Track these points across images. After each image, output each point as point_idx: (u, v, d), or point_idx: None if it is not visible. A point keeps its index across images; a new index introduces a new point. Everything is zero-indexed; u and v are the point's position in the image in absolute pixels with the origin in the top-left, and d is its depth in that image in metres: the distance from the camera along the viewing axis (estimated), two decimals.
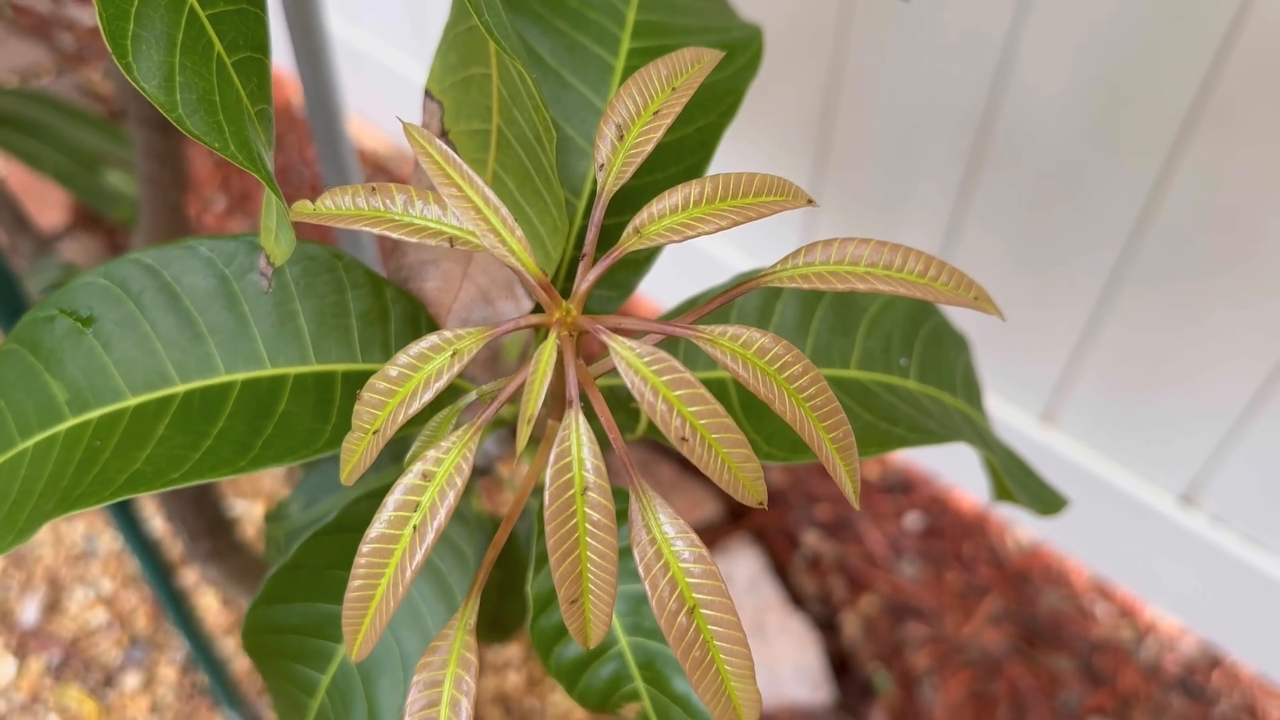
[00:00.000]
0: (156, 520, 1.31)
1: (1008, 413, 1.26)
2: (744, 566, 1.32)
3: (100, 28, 0.22)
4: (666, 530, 0.23)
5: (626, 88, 0.26)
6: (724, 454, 0.22)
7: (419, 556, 0.22)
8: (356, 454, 0.23)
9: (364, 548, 0.23)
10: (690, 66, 0.27)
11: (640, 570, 0.23)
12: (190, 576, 1.33)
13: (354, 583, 0.23)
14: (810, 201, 0.25)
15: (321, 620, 0.37)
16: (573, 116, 0.36)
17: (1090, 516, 1.24)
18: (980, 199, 1.11)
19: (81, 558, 1.36)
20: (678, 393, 0.22)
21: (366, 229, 0.24)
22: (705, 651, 0.23)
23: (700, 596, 0.23)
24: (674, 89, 0.26)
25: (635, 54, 0.37)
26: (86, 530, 1.38)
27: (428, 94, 0.33)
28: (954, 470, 1.38)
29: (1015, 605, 1.31)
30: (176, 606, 0.97)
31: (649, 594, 0.23)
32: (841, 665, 1.27)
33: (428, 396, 0.23)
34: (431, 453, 0.23)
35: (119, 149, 0.84)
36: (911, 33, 1.03)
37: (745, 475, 0.22)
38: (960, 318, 1.29)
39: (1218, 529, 1.16)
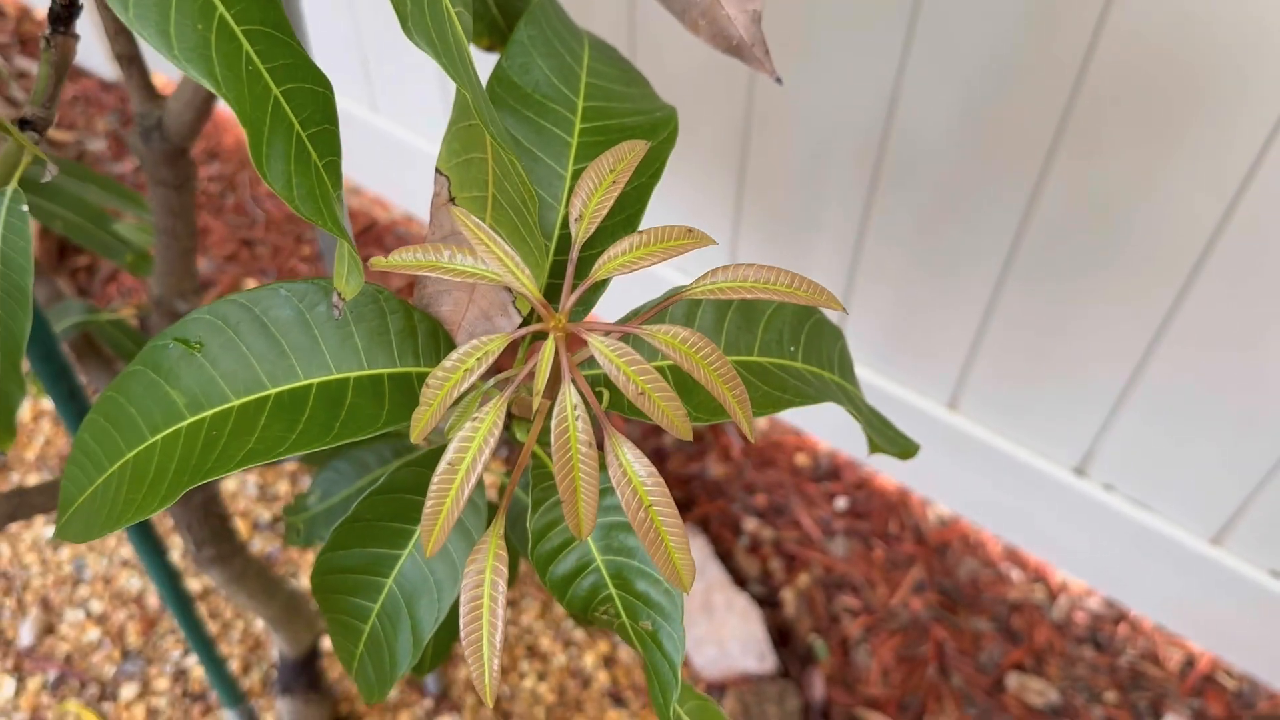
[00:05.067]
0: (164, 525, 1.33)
1: (919, 402, 1.31)
2: (691, 552, 1.41)
3: (249, 151, 0.34)
4: (628, 456, 0.36)
5: (588, 172, 0.39)
6: (663, 405, 0.35)
7: (475, 475, 0.35)
8: (423, 420, 0.36)
9: (436, 476, 0.35)
10: (628, 154, 0.40)
11: (613, 484, 0.36)
12: None
13: (430, 500, 0.35)
14: (712, 241, 0.38)
15: (374, 560, 0.49)
16: (542, 181, 0.49)
17: (998, 490, 1.31)
18: (879, 218, 1.16)
19: (70, 581, 1.38)
20: (633, 368, 0.35)
21: (426, 274, 0.36)
22: (657, 534, 0.36)
23: (653, 498, 0.36)
24: (618, 169, 0.39)
25: (586, 133, 0.50)
26: (73, 556, 1.38)
27: (438, 171, 0.46)
28: (875, 458, 1.41)
29: (937, 575, 1.36)
30: (183, 607, 1.04)
31: (619, 499, 0.35)
32: (783, 637, 1.33)
33: (474, 377, 0.35)
34: (477, 413, 0.35)
35: (120, 203, 0.93)
36: (810, 79, 1.09)
37: (677, 419, 0.35)
38: (867, 326, 1.38)
39: (1110, 495, 1.22)
